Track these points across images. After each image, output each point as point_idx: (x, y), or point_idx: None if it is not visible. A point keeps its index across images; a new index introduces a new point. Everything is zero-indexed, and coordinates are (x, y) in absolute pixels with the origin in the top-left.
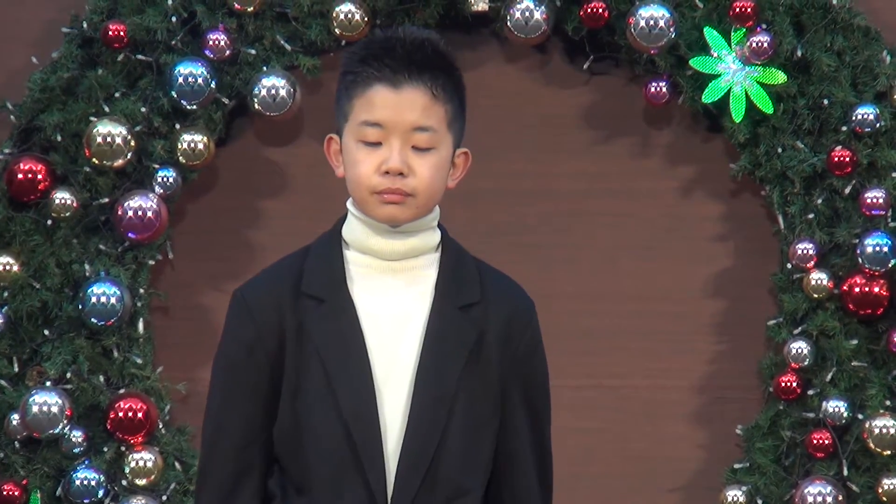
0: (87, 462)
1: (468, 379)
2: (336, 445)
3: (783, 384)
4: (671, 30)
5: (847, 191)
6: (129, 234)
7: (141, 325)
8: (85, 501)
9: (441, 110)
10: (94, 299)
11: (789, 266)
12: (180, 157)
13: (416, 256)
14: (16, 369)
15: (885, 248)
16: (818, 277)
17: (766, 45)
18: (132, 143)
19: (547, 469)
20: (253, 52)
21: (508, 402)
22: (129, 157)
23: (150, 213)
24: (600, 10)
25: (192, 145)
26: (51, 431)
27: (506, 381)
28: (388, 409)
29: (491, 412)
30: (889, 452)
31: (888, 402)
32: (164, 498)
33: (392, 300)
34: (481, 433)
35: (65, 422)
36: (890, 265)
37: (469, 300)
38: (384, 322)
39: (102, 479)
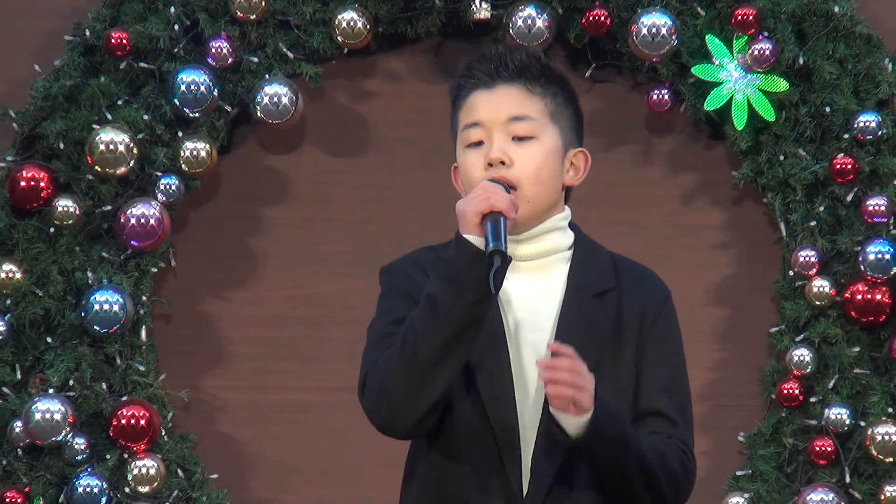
0: (89, 469)
1: (605, 364)
2: (473, 425)
3: (785, 391)
4: (673, 38)
5: (849, 198)
6: (132, 242)
7: (143, 333)
8: None
9: (539, 103)
10: (96, 307)
11: (791, 273)
12: (183, 165)
13: (548, 256)
14: (18, 377)
15: (887, 256)
16: (820, 285)
17: (767, 52)
18: (134, 151)
19: (685, 408)
20: (255, 59)
21: (645, 374)
22: (131, 164)
23: (152, 221)
24: (602, 18)
25: (195, 153)
26: (53, 439)
27: (641, 362)
28: (523, 396)
29: (628, 395)
30: (891, 459)
31: (890, 410)
32: None
33: (525, 293)
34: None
35: (67, 429)
36: (892, 273)
37: (604, 287)
38: (518, 310)
39: (105, 486)
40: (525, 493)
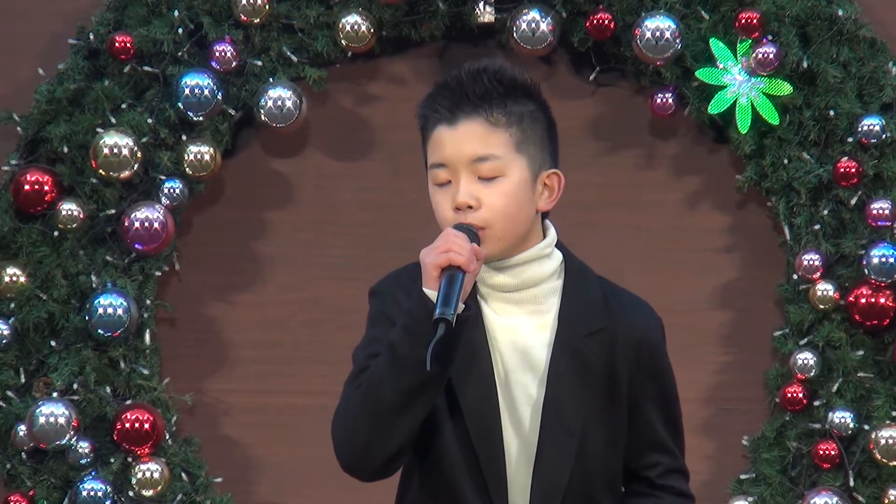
0: (93, 473)
1: (599, 408)
2: (461, 463)
3: (789, 395)
4: (677, 41)
5: (853, 202)
6: (136, 246)
7: (147, 337)
8: None
9: (503, 136)
10: (100, 310)
11: (795, 277)
12: (187, 169)
13: (535, 286)
14: (22, 380)
15: (892, 259)
16: (824, 288)
17: (772, 56)
18: (138, 155)
19: (681, 435)
20: (259, 63)
21: (639, 410)
22: (135, 168)
23: (156, 225)
24: (606, 22)
25: (199, 157)
26: (57, 442)
27: (636, 399)
28: (512, 436)
29: (621, 433)
30: (895, 463)
31: (894, 413)
32: None
33: (515, 331)
34: (614, 456)
35: (71, 433)
36: None
37: (595, 327)
38: (508, 351)
39: (109, 489)
40: None
